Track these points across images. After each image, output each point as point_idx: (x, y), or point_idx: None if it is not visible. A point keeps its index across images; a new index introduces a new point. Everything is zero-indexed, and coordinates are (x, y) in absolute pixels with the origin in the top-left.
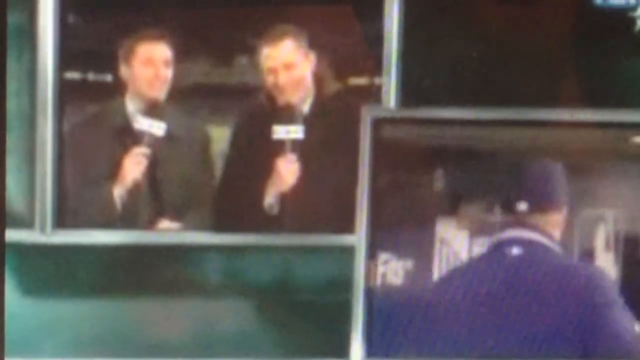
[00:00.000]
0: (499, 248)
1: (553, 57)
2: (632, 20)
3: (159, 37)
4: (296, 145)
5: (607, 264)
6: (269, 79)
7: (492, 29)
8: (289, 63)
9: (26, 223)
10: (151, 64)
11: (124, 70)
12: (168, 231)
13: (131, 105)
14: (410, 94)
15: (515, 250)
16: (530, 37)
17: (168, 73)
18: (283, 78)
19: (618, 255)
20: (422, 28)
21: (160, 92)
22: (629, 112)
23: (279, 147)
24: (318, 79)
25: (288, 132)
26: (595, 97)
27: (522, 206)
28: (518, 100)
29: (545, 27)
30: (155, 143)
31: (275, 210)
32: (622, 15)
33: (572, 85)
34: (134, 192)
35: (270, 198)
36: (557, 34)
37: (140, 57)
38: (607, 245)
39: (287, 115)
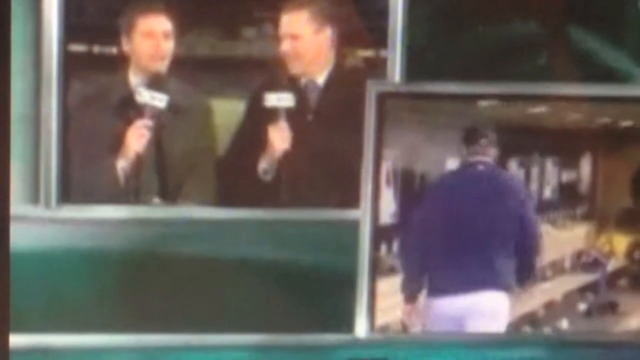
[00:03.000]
0: (471, 166)
1: (555, 34)
2: None
3: (160, 10)
4: (289, 114)
5: None
6: (283, 46)
7: (497, 4)
8: (294, 34)
9: (31, 198)
10: (151, 37)
11: (125, 44)
12: (172, 206)
13: (134, 78)
14: (414, 68)
15: (480, 167)
16: (538, 10)
17: (169, 46)
18: (285, 47)
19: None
20: (427, 4)
21: (161, 65)
22: None
23: (272, 114)
24: (335, 52)
25: (279, 99)
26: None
27: (484, 141)
28: (524, 74)
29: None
30: (158, 115)
31: (269, 177)
32: None
33: (573, 61)
34: (136, 164)
35: (264, 164)
36: (558, 12)
37: (141, 30)
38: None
39: (279, 82)
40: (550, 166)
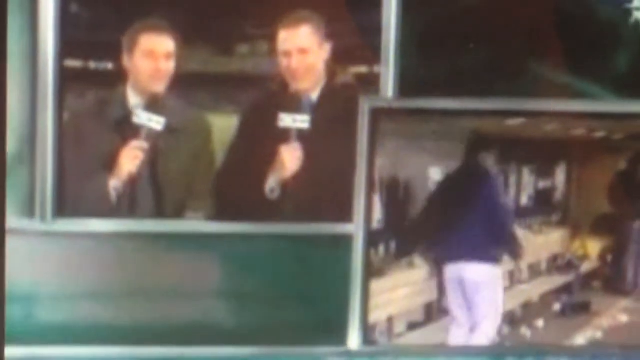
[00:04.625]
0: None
1: (548, 49)
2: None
3: (163, 29)
4: (301, 134)
5: None
6: (283, 63)
7: (489, 20)
8: (303, 48)
9: (27, 212)
10: (152, 57)
11: (127, 61)
12: (167, 220)
13: (133, 98)
14: (408, 84)
15: (472, 167)
16: (525, 29)
17: (169, 66)
18: (296, 62)
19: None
20: (420, 19)
21: (160, 86)
22: None
23: (284, 134)
24: (329, 68)
25: (295, 121)
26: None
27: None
28: (513, 90)
29: (541, 19)
30: (154, 137)
31: (275, 195)
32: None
33: (564, 77)
34: (129, 185)
35: (272, 183)
36: (552, 26)
37: (142, 49)
38: None
39: (295, 104)
40: (527, 175)
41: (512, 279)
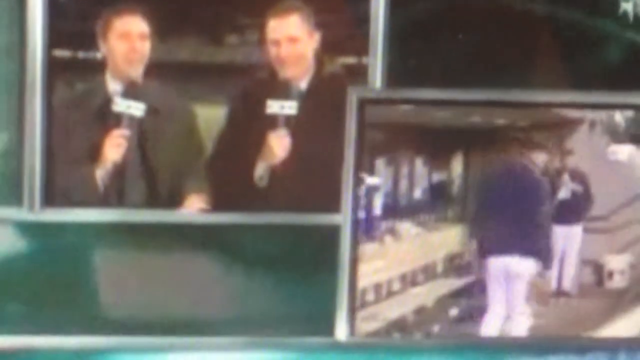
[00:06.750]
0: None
1: (538, 41)
2: None
3: (135, 11)
4: (289, 120)
5: None
6: (272, 52)
7: (477, 12)
8: (293, 37)
9: (15, 201)
10: (126, 39)
11: (102, 47)
12: (154, 210)
13: (112, 84)
14: (396, 74)
15: (519, 165)
16: (514, 20)
17: (145, 47)
18: (285, 51)
19: None
20: (408, 10)
21: (137, 69)
22: None
23: (272, 121)
24: (318, 57)
25: (282, 107)
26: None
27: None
28: (501, 81)
29: (529, 10)
30: (135, 124)
31: (264, 183)
32: None
33: (554, 68)
34: (114, 173)
35: (260, 171)
36: (540, 18)
37: (116, 32)
38: None
39: (283, 90)
40: (420, 166)
41: (404, 282)
